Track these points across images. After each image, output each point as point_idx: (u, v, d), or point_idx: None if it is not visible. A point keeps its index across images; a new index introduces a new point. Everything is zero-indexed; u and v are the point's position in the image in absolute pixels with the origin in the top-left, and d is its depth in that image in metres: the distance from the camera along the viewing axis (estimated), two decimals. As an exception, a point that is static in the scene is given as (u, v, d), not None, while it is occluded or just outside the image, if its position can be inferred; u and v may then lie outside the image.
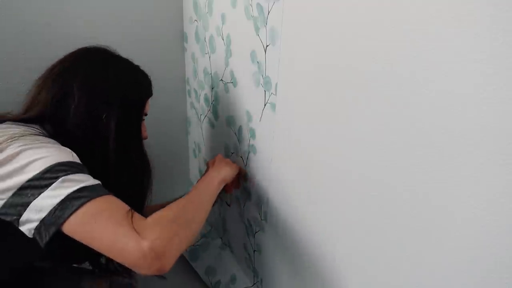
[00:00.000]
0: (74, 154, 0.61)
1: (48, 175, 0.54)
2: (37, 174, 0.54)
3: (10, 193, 0.54)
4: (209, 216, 1.23)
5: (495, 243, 0.42)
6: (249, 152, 0.89)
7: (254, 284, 1.03)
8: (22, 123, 0.65)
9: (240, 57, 0.83)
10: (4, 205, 0.54)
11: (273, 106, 0.76)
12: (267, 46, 0.73)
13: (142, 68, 0.77)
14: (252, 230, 0.96)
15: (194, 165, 1.32)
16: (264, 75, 0.76)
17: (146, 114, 0.77)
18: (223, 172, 0.83)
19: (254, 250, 0.98)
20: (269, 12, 0.69)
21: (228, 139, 0.98)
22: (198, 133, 1.19)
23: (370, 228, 0.59)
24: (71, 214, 0.54)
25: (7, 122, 0.65)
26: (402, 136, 0.50)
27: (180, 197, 0.71)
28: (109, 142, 0.68)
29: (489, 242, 0.43)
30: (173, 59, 1.16)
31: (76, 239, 0.55)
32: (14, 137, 0.58)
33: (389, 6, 0.47)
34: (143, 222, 0.57)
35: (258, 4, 0.72)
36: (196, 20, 1.01)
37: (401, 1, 0.46)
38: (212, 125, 1.07)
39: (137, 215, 0.59)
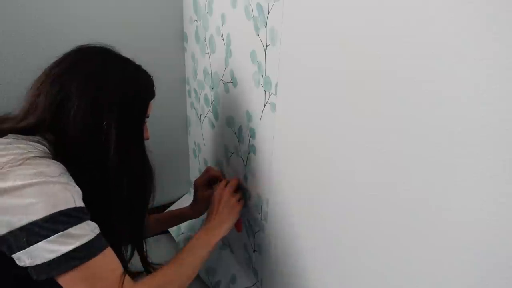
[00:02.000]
0: (79, 191, 0.60)
1: (47, 225, 0.54)
2: (37, 220, 0.54)
3: (5, 229, 0.54)
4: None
5: (495, 243, 0.42)
6: (249, 152, 0.89)
7: (254, 284, 1.03)
8: (24, 136, 0.63)
9: (240, 57, 0.83)
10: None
11: (273, 106, 0.76)
12: (267, 46, 0.73)
13: (144, 68, 0.74)
14: (252, 230, 0.96)
15: (194, 165, 1.32)
16: (264, 75, 0.76)
17: (148, 116, 0.75)
18: (226, 227, 0.83)
19: (254, 250, 0.98)
20: (269, 12, 0.69)
21: (228, 139, 0.98)
22: (198, 133, 1.19)
23: (370, 227, 0.59)
24: (63, 272, 0.56)
25: (7, 136, 0.63)
26: (402, 136, 0.50)
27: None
28: (110, 147, 0.66)
29: (489, 242, 0.43)
30: (173, 59, 1.16)
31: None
32: (18, 160, 0.57)
33: (389, 6, 0.47)
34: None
35: (258, 4, 0.72)
36: (196, 20, 1.01)
37: (401, 1, 0.46)
38: (212, 125, 1.07)
39: (127, 282, 0.62)
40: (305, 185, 0.73)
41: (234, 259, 1.13)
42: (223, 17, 0.87)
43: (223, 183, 0.92)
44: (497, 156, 0.40)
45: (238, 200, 0.90)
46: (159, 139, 1.24)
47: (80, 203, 0.60)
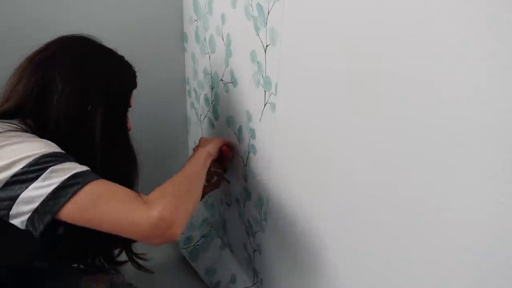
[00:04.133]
0: (58, 147, 0.59)
1: (34, 167, 0.53)
2: (22, 168, 0.53)
3: None
4: (209, 216, 1.23)
5: (495, 243, 0.42)
6: (249, 152, 0.89)
7: (254, 284, 1.03)
8: (0, 120, 0.61)
9: (240, 57, 0.83)
10: None
11: (273, 106, 0.76)
12: (267, 46, 0.73)
13: (126, 59, 0.74)
14: (252, 230, 0.96)
15: (194, 165, 1.32)
16: (264, 75, 0.76)
17: (130, 106, 0.75)
18: (207, 148, 0.85)
19: (254, 250, 0.98)
20: (269, 12, 0.69)
21: (228, 139, 0.98)
22: (198, 133, 1.19)
23: (370, 227, 0.59)
24: (66, 201, 0.53)
25: None
26: (402, 136, 0.50)
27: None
28: (95, 134, 0.65)
29: (489, 242, 0.43)
30: (173, 59, 1.16)
31: (78, 224, 0.55)
32: None
33: (389, 6, 0.47)
34: (145, 197, 0.59)
35: (258, 4, 0.72)
36: (196, 20, 1.01)
37: (401, 1, 0.46)
38: (212, 125, 1.07)
39: (137, 193, 0.60)
40: (305, 185, 0.72)
41: (234, 259, 1.12)
42: (223, 17, 0.87)
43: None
44: (497, 156, 0.40)
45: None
46: (160, 139, 1.25)
47: (64, 152, 0.58)
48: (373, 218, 0.58)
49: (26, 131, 0.60)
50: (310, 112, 0.66)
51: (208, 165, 0.81)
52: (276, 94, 0.74)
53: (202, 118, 1.13)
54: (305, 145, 0.70)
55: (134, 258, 0.82)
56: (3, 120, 0.61)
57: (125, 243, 0.80)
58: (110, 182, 0.58)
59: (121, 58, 0.73)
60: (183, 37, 1.14)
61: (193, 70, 1.12)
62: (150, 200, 0.58)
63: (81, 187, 0.54)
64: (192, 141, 1.27)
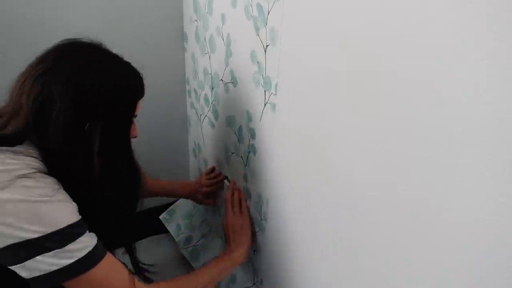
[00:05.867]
0: (74, 206, 0.59)
1: (42, 242, 0.54)
2: (33, 238, 0.53)
3: (2, 244, 0.53)
4: (209, 216, 1.23)
5: (495, 243, 0.42)
6: (249, 152, 0.89)
7: (254, 284, 1.03)
8: (12, 149, 0.58)
9: (240, 57, 0.83)
10: None
11: (273, 106, 0.76)
12: (267, 46, 0.73)
13: (133, 65, 0.69)
14: (252, 230, 0.96)
15: (194, 165, 1.32)
16: (264, 75, 0.76)
17: (136, 116, 0.70)
18: (244, 249, 0.87)
19: (254, 250, 0.98)
20: (269, 12, 0.69)
21: (228, 139, 0.98)
22: (198, 133, 1.19)
23: (370, 227, 0.59)
24: (62, 282, 0.57)
25: None
26: (402, 136, 0.50)
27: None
28: (93, 150, 0.61)
29: (489, 242, 0.43)
30: (173, 59, 1.16)
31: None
32: (10, 179, 0.54)
33: (389, 6, 0.47)
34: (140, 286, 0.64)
35: (258, 4, 0.72)
36: (196, 20, 1.01)
37: (401, 1, 0.46)
38: (212, 125, 1.07)
39: (138, 285, 0.64)
40: (305, 185, 0.72)
41: (234, 259, 1.12)
42: (223, 17, 0.87)
43: (228, 203, 0.95)
44: (497, 156, 0.40)
45: (245, 221, 0.93)
46: (159, 139, 1.25)
47: (75, 218, 0.58)
48: (373, 218, 0.58)
49: (39, 165, 0.59)
50: (310, 112, 0.66)
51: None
52: (276, 94, 0.74)
53: (202, 118, 1.13)
54: (305, 145, 0.70)
55: (141, 269, 0.82)
56: (15, 149, 0.58)
57: (130, 253, 0.80)
58: (111, 263, 0.62)
59: (127, 65, 0.67)
60: (183, 37, 1.14)
61: (193, 70, 1.12)
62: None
63: (80, 274, 0.58)
64: (192, 141, 1.27)
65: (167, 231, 1.24)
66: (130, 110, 0.67)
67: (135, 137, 0.73)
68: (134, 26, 1.05)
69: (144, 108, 1.14)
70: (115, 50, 0.74)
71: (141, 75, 0.69)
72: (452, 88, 0.43)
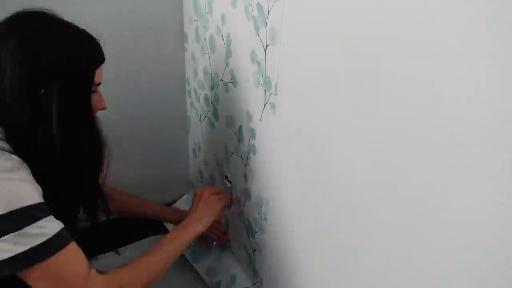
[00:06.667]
0: (36, 187, 0.57)
1: (3, 225, 0.52)
2: None
3: None
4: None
5: (495, 243, 0.42)
6: (249, 152, 0.89)
7: (254, 284, 1.03)
8: None
9: (240, 57, 0.83)
10: None
11: (273, 106, 0.76)
12: (267, 46, 0.73)
13: (89, 31, 0.66)
14: (252, 230, 0.96)
15: (194, 165, 1.32)
16: (264, 75, 0.76)
17: (99, 84, 0.68)
18: (203, 223, 0.85)
19: (254, 250, 0.98)
20: (269, 12, 0.69)
21: (228, 139, 0.98)
22: (198, 133, 1.19)
23: (370, 227, 0.59)
24: (18, 271, 0.55)
25: None
26: (402, 136, 0.50)
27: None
28: (52, 120, 0.60)
29: (489, 242, 0.43)
30: (173, 59, 1.16)
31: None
32: None
33: (389, 6, 0.47)
34: (94, 277, 0.62)
35: (258, 4, 0.72)
36: (196, 20, 1.01)
37: (401, 1, 0.46)
38: (212, 125, 1.07)
39: (94, 275, 0.62)
40: (305, 185, 0.72)
41: (234, 259, 1.12)
42: (223, 17, 0.87)
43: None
44: (497, 156, 0.40)
45: (219, 200, 0.93)
46: (159, 139, 1.25)
47: (37, 199, 0.56)
48: (373, 218, 0.58)
49: (1, 148, 0.57)
50: (310, 112, 0.66)
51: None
52: (276, 94, 0.74)
53: (202, 118, 1.13)
54: (305, 145, 0.70)
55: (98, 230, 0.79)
56: None
57: (93, 222, 0.78)
58: (71, 253, 0.60)
59: (80, 31, 0.65)
60: (183, 37, 1.14)
61: (193, 70, 1.12)
62: (92, 282, 0.61)
63: (37, 263, 0.55)
64: (192, 141, 1.27)
65: (167, 231, 1.24)
66: (86, 77, 0.65)
67: (103, 109, 0.71)
68: (134, 26, 1.05)
69: (144, 108, 1.14)
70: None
71: (97, 41, 0.67)
72: (452, 88, 0.43)
